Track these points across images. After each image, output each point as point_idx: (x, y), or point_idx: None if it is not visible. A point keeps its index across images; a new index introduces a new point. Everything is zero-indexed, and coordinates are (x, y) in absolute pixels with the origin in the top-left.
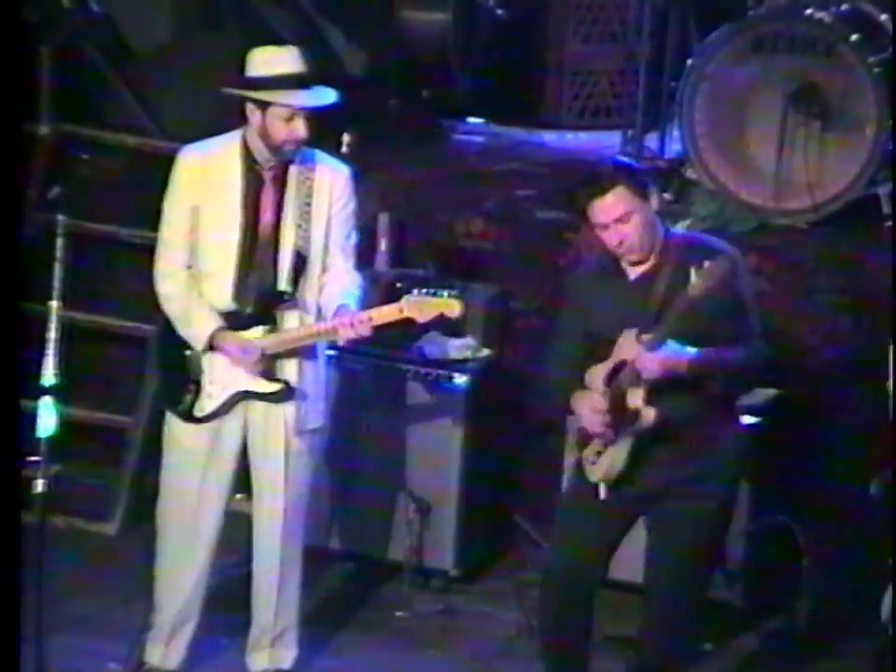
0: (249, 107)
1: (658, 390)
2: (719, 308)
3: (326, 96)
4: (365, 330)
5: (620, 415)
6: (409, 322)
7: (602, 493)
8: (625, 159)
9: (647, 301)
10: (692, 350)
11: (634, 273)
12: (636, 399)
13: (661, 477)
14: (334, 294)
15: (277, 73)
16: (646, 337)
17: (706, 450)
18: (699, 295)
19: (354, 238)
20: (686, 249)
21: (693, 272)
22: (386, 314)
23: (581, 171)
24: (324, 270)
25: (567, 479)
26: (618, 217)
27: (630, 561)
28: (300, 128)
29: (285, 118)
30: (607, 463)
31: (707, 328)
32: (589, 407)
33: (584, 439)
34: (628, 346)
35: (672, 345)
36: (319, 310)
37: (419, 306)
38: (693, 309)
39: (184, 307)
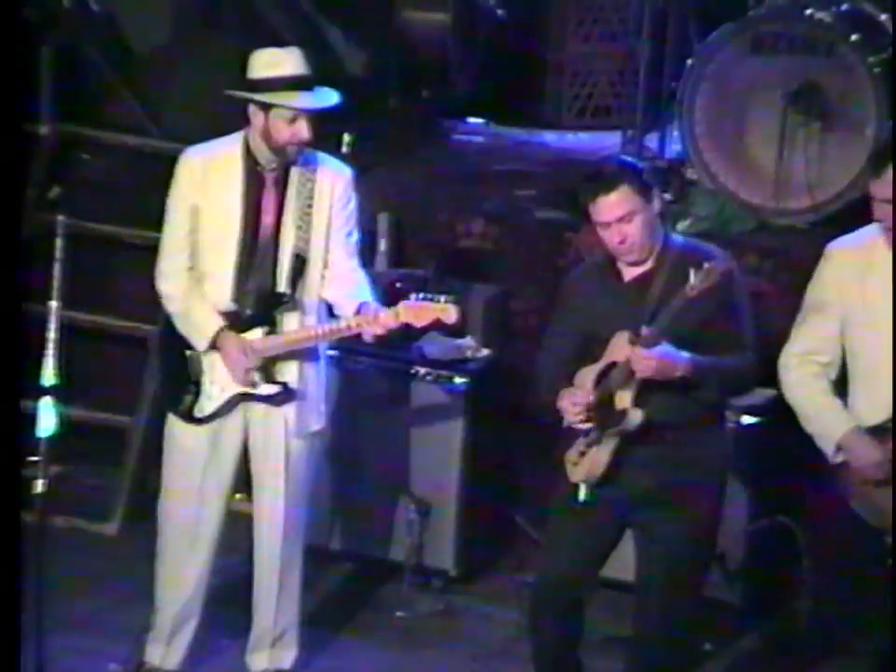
0: (252, 109)
1: (647, 393)
2: (713, 312)
3: (329, 98)
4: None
5: (607, 416)
6: (406, 325)
7: (582, 494)
8: (630, 158)
9: (642, 302)
10: (685, 354)
11: (630, 274)
12: (624, 400)
13: (644, 482)
14: (349, 294)
15: (280, 74)
16: (643, 333)
17: (690, 456)
18: (696, 295)
19: (355, 236)
20: (684, 254)
21: (691, 272)
22: (382, 319)
23: (581, 171)
24: (325, 266)
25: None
26: (620, 217)
27: (629, 561)
28: (303, 129)
29: (288, 119)
30: (589, 462)
31: (700, 332)
32: (569, 401)
33: (568, 440)
34: (619, 348)
35: (666, 346)
36: (330, 310)
37: (416, 311)
38: (689, 310)
39: (186, 306)
